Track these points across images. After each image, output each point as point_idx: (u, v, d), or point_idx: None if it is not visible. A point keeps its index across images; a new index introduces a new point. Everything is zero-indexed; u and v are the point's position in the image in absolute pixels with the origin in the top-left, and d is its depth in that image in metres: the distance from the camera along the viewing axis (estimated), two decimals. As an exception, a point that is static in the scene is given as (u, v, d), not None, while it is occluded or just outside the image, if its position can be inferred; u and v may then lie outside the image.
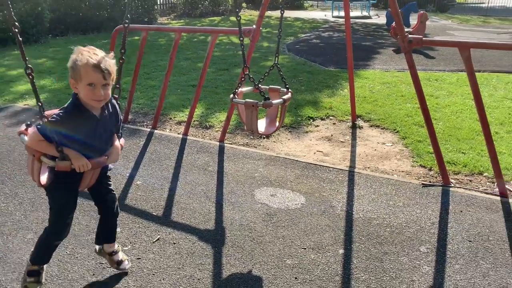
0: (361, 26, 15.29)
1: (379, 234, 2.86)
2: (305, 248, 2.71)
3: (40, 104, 2.07)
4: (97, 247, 2.56)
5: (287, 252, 2.68)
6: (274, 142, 4.55)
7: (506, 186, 3.42)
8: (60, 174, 2.14)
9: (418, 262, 2.58)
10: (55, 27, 12.08)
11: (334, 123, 5.10)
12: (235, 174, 3.74)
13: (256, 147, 4.42)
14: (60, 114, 2.07)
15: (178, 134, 4.77)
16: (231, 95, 2.96)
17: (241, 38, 2.78)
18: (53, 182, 2.18)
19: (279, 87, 3.19)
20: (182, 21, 15.98)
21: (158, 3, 16.82)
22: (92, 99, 2.06)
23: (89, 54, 2.05)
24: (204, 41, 11.22)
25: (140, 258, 2.63)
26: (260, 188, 3.48)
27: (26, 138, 2.14)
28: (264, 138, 4.60)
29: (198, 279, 2.44)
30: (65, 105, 2.12)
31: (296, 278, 2.44)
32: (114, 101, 2.26)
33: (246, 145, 4.47)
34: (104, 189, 2.43)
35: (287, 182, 3.58)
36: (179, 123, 5.15)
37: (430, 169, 3.86)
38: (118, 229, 2.92)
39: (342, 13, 18.62)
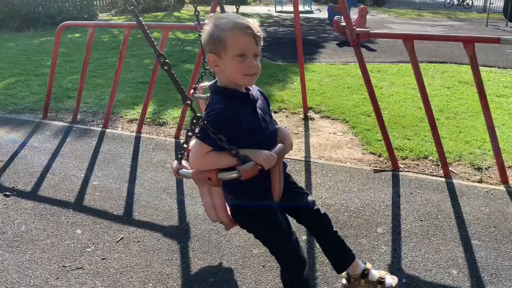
0: (304, 20, 15.60)
1: (338, 218, 2.99)
2: (269, 237, 2.79)
3: (189, 102, 1.61)
4: (343, 280, 2.10)
5: (252, 242, 2.74)
6: (230, 136, 4.60)
7: (450, 168, 3.68)
8: (244, 193, 1.73)
9: (376, 242, 2.73)
10: (-14, 24, 11.39)
11: (287, 116, 5.22)
12: (194, 169, 3.75)
13: (212, 142, 4.44)
14: (214, 108, 1.64)
15: (131, 132, 4.69)
16: (191, 91, 2.98)
17: (199, 34, 2.79)
18: (244, 211, 1.76)
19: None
20: (123, 17, 15.54)
21: (98, -2, 16.28)
22: (245, 73, 1.64)
23: (234, 16, 1.63)
24: (149, 38, 11.00)
25: (105, 258, 2.59)
26: (221, 182, 3.51)
27: (185, 170, 1.68)
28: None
29: (167, 275, 2.45)
30: (211, 99, 1.73)
31: (263, 266, 2.51)
32: None
33: (202, 140, 4.48)
34: (297, 192, 1.96)
35: (247, 174, 3.64)
36: (131, 121, 5.06)
37: (379, 156, 4.07)
38: (79, 231, 2.87)
39: (285, 8, 18.92)
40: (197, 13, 2.89)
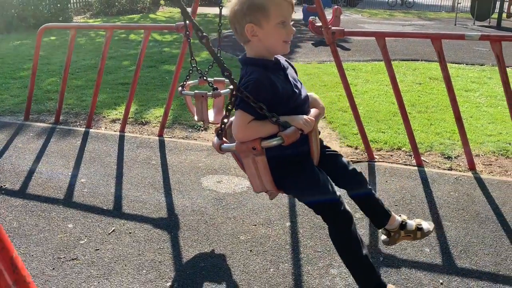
0: (279, 21, 15.82)
1: (319, 206, 3.17)
2: (255, 225, 2.94)
3: (228, 74, 1.60)
4: (382, 236, 2.18)
5: (239, 230, 2.89)
6: (213, 133, 4.73)
7: (422, 158, 3.92)
8: (286, 159, 1.78)
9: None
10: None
11: (266, 113, 5.39)
12: (179, 165, 3.87)
13: (196, 139, 4.57)
14: (250, 78, 1.69)
15: (115, 131, 4.77)
16: (179, 88, 3.11)
17: (187, 32, 2.93)
18: (288, 175, 1.81)
19: (223, 78, 3.38)
20: (99, 19, 15.45)
21: (72, 1, 16.12)
22: (285, 40, 1.73)
23: None
24: (125, 39, 11.02)
25: (98, 249, 2.69)
26: (206, 177, 3.65)
27: (228, 144, 1.74)
28: (202, 130, 4.77)
29: (160, 262, 2.58)
30: (243, 72, 1.77)
31: (251, 251, 2.67)
32: None
33: (186, 137, 4.61)
34: (330, 156, 2.01)
35: (231, 169, 3.79)
36: (114, 121, 5.14)
37: (356, 148, 4.27)
38: (71, 225, 2.96)
39: (260, 9, 19.08)
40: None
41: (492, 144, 4.32)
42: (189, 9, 4.02)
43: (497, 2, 15.69)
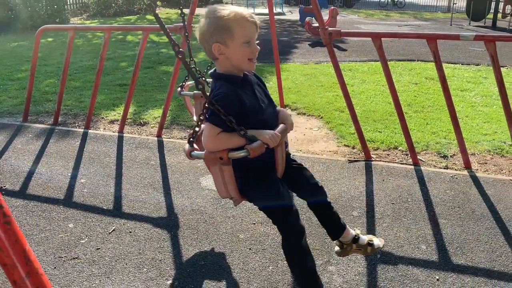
0: (276, 22, 15.83)
1: (317, 205, 3.21)
2: (254, 223, 2.98)
3: (201, 87, 1.72)
4: (336, 247, 2.32)
5: (238, 228, 2.93)
6: (211, 133, 4.76)
7: (418, 157, 3.96)
8: (251, 169, 1.89)
9: (352, 224, 2.95)
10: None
11: (264, 113, 5.42)
12: (178, 165, 3.91)
13: (194, 139, 4.60)
14: (219, 92, 1.79)
15: (113, 132, 4.80)
16: (178, 89, 3.14)
17: (186, 34, 2.96)
18: (251, 185, 1.92)
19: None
20: (96, 20, 15.47)
21: (68, 3, 16.12)
22: (249, 58, 1.83)
23: (232, 6, 1.80)
24: (122, 40, 11.05)
25: (99, 249, 2.72)
26: (205, 176, 3.69)
27: (198, 152, 1.83)
28: (200, 130, 4.80)
29: (160, 260, 2.61)
30: (213, 86, 1.87)
31: (250, 249, 2.70)
32: None
33: (184, 138, 4.64)
34: (296, 169, 2.13)
35: (229, 168, 3.82)
36: (112, 122, 5.16)
37: (353, 148, 4.32)
38: (71, 225, 2.99)
39: (257, 10, 19.16)
40: (182, 15, 3.04)
41: (487, 143, 4.37)
42: (187, 10, 4.06)
43: (493, 2, 15.79)
